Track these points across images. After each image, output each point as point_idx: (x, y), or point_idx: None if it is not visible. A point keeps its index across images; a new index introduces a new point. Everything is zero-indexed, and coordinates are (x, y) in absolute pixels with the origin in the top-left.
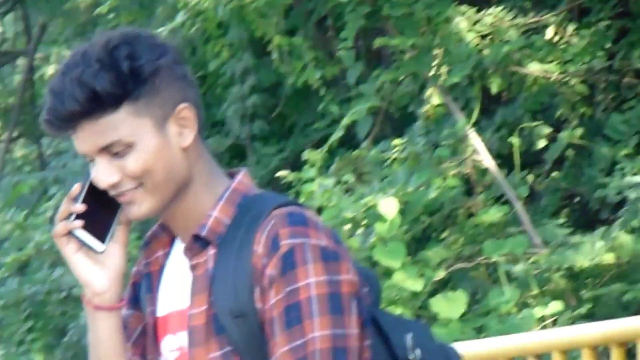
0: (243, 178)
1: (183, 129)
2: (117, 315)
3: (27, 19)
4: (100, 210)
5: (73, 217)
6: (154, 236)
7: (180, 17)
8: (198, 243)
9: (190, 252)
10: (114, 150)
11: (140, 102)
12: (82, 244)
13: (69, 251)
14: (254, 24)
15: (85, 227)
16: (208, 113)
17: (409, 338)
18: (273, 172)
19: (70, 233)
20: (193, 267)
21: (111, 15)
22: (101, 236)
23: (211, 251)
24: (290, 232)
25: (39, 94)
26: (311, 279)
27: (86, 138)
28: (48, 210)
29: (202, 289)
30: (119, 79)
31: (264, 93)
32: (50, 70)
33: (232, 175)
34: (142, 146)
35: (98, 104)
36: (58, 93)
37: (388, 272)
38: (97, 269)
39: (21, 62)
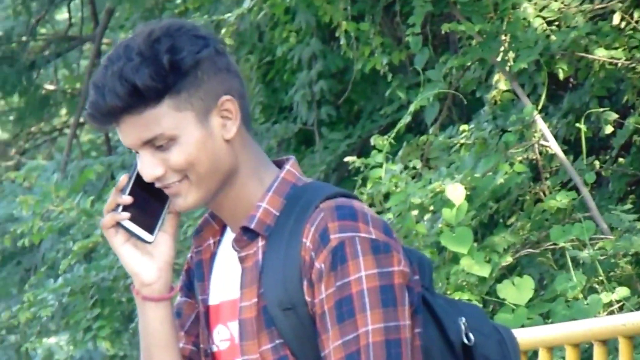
0: (292, 167)
1: (226, 120)
2: (166, 305)
3: (94, 4)
4: (149, 201)
5: (120, 208)
6: (205, 224)
7: (247, 3)
8: (247, 235)
9: (239, 243)
10: (157, 144)
11: (182, 96)
12: (131, 235)
13: (117, 242)
14: (322, 10)
15: (134, 218)
16: (275, 99)
17: (462, 322)
18: (340, 158)
19: (118, 224)
20: (242, 259)
21: (178, 0)
22: (150, 227)
23: (260, 243)
24: (339, 226)
25: None
26: (362, 272)
27: (129, 132)
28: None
29: (252, 281)
30: (159, 73)
31: (331, 78)
32: None
33: (279, 164)
34: (185, 139)
35: (139, 99)
36: (100, 87)
37: (455, 258)
38: (145, 259)
39: (88, 47)
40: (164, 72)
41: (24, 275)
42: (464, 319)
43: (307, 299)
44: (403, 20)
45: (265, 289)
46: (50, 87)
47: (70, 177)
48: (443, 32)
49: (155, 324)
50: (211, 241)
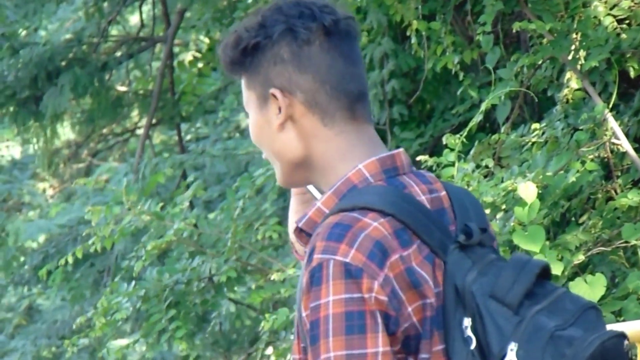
0: (365, 167)
1: (280, 111)
2: None
3: (166, 5)
4: None
5: None
6: None
7: None
8: (304, 232)
9: (301, 240)
10: (248, 113)
11: (248, 75)
12: (309, 192)
13: (292, 192)
14: (393, 9)
15: None
16: None
17: (511, 348)
18: (412, 157)
19: None
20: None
21: (250, 0)
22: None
23: None
24: (323, 247)
25: (178, 80)
26: (330, 297)
27: None
28: (185, 200)
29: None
30: (236, 48)
31: (403, 78)
32: (189, 56)
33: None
34: (251, 118)
35: (229, 68)
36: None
37: None
38: (299, 211)
39: (160, 48)
40: (233, 47)
41: (98, 277)
42: (515, 345)
43: None
44: (474, 19)
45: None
46: (122, 89)
47: (140, 178)
48: (514, 31)
49: None
50: None
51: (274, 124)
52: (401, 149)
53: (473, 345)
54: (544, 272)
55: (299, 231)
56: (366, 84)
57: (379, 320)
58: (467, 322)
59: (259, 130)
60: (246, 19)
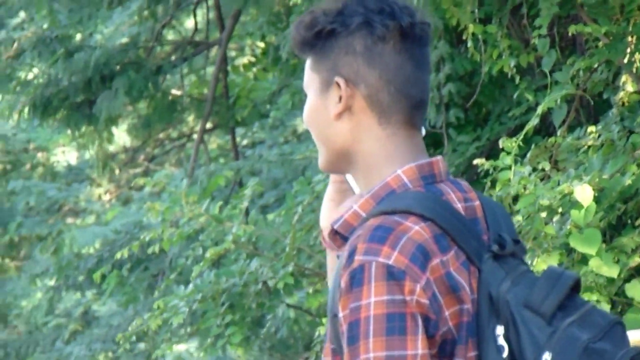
0: (404, 172)
1: (339, 100)
2: (334, 257)
3: (220, 9)
4: None
5: None
6: None
7: None
8: (339, 235)
9: (335, 242)
10: (307, 93)
11: (316, 57)
12: (346, 182)
13: (330, 179)
14: (449, 12)
15: None
16: None
17: (545, 358)
18: (469, 160)
19: None
20: (339, 258)
21: (306, 4)
22: None
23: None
24: (365, 249)
25: (233, 84)
26: (372, 299)
27: None
28: (244, 200)
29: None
30: (311, 30)
31: (459, 81)
32: (244, 60)
33: (422, 166)
34: (309, 98)
35: (298, 46)
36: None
37: (584, 259)
38: (331, 205)
39: (214, 52)
40: (308, 27)
41: (152, 281)
42: (549, 355)
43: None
44: (530, 22)
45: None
46: (177, 93)
47: (199, 183)
48: (570, 34)
49: (330, 268)
50: None
51: (331, 111)
52: (440, 157)
53: (505, 354)
54: (575, 286)
55: (334, 233)
56: (429, 91)
57: (420, 323)
58: (500, 330)
59: (315, 113)
60: (326, 2)
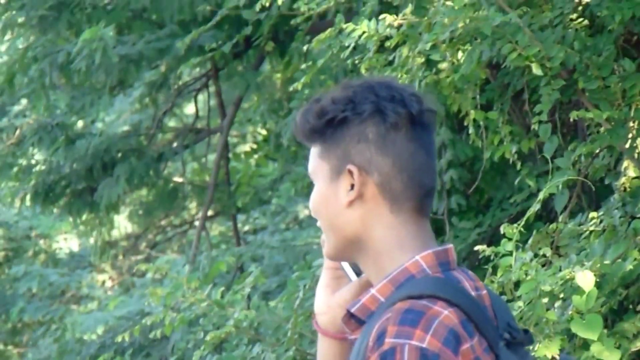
0: (423, 258)
1: (351, 188)
2: (332, 343)
3: (221, 96)
4: None
5: None
6: None
7: None
8: (354, 318)
9: (348, 326)
10: (313, 181)
11: (325, 145)
12: (342, 269)
13: (324, 265)
14: (450, 99)
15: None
16: None
17: None
18: (471, 247)
19: None
20: (352, 343)
21: (306, 91)
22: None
23: (364, 328)
24: (397, 331)
25: (234, 171)
26: None
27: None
28: (246, 287)
29: None
30: (314, 115)
31: (460, 167)
32: (245, 147)
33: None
34: (317, 186)
35: (305, 134)
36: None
37: (585, 345)
38: (327, 291)
39: (216, 139)
40: (317, 116)
41: None
42: None
43: None
44: (531, 108)
45: None
46: (179, 180)
47: (201, 268)
48: (571, 120)
49: (321, 354)
50: None
51: (342, 199)
52: (451, 245)
53: None
54: None
55: (349, 317)
56: (436, 179)
57: None
58: None
59: (324, 201)
60: (332, 89)
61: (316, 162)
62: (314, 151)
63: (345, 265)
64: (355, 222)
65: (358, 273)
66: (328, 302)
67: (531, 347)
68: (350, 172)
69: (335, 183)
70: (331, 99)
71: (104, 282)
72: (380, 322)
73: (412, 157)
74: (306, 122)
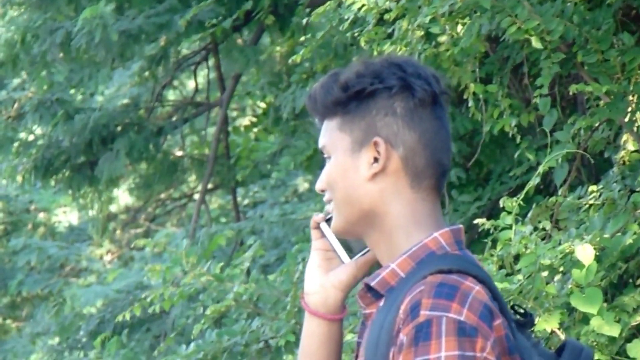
0: (441, 236)
1: (375, 161)
2: (321, 323)
3: (220, 70)
4: None
5: (328, 216)
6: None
7: None
8: (371, 292)
9: (363, 300)
10: (324, 155)
11: (347, 117)
12: (332, 249)
13: (314, 245)
14: (450, 72)
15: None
16: None
17: None
18: (470, 220)
19: (323, 235)
20: (366, 317)
21: (306, 64)
22: (357, 253)
23: (381, 302)
24: (432, 304)
25: (234, 144)
26: (442, 353)
27: (320, 135)
28: (245, 261)
29: (365, 339)
30: (339, 88)
31: (460, 141)
32: (245, 121)
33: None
34: (334, 160)
35: (326, 107)
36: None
37: (585, 319)
38: (318, 271)
39: (215, 112)
40: (343, 88)
41: (154, 342)
42: None
43: None
44: (531, 81)
45: (365, 348)
46: (178, 153)
47: (200, 243)
48: (571, 93)
49: (307, 334)
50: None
51: (363, 172)
52: (461, 225)
53: None
54: None
55: (366, 289)
56: (451, 160)
57: None
58: None
59: (342, 173)
60: (351, 65)
61: (334, 135)
62: (332, 124)
63: (337, 246)
64: (374, 195)
65: (350, 254)
66: (321, 282)
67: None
68: (375, 145)
69: (357, 155)
70: (355, 72)
71: (102, 256)
72: (413, 295)
73: (436, 135)
74: (328, 94)
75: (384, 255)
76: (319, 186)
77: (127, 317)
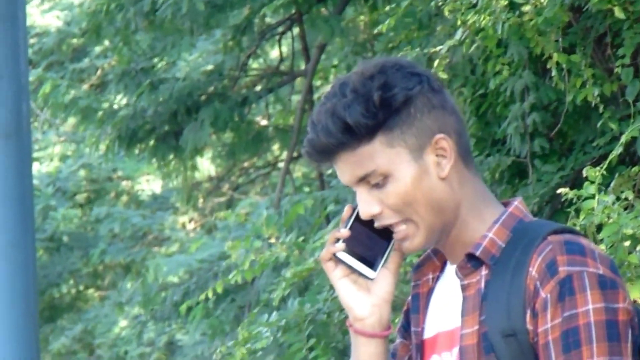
0: (519, 204)
1: (441, 159)
2: (379, 343)
3: (305, 39)
4: (374, 237)
5: (340, 241)
6: (426, 259)
7: (459, 35)
8: (471, 263)
9: (462, 271)
10: (372, 181)
11: (394, 132)
12: (352, 270)
13: (335, 276)
14: (533, 42)
15: (357, 254)
16: (489, 131)
17: None
18: (554, 190)
19: (338, 259)
20: (464, 287)
21: (391, 34)
22: (373, 263)
23: (484, 271)
24: (568, 260)
25: None
26: (590, 306)
27: (345, 169)
28: (328, 230)
29: (474, 308)
30: (370, 110)
31: (543, 111)
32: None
33: (505, 205)
34: (399, 176)
35: (351, 136)
36: (315, 124)
37: None
38: (361, 294)
39: (300, 82)
40: (374, 108)
41: (238, 312)
42: None
43: (529, 327)
44: (614, 51)
45: (488, 315)
46: (263, 122)
47: (283, 212)
48: None
49: (366, 357)
50: (430, 276)
51: (434, 172)
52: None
53: None
54: None
55: (468, 259)
56: None
57: (629, 330)
58: None
59: (417, 184)
60: (354, 82)
61: (387, 154)
62: (374, 147)
63: (359, 265)
64: (450, 190)
65: (369, 264)
66: (372, 302)
67: None
68: (437, 142)
69: (421, 161)
70: (380, 89)
71: (185, 224)
72: (545, 254)
73: (460, 116)
74: (368, 120)
75: (454, 247)
76: (395, 206)
77: (211, 295)
